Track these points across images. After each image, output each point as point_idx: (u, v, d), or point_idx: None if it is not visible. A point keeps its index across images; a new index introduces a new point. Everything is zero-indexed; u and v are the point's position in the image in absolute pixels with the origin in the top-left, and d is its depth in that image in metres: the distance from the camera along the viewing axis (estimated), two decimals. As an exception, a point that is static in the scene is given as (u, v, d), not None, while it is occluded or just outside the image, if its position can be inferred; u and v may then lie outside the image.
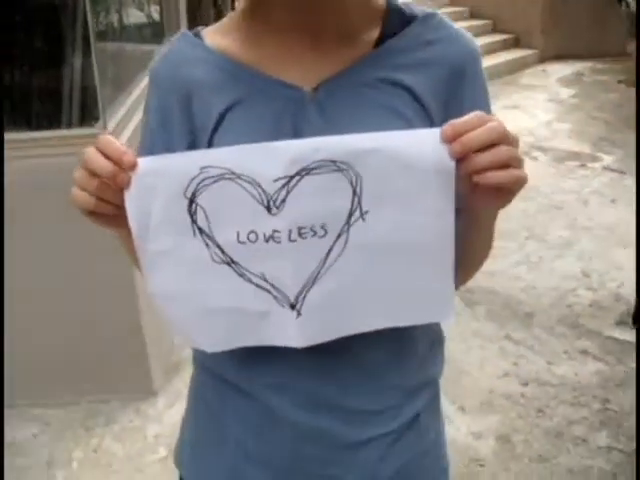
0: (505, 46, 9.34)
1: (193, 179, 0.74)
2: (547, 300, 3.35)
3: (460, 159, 0.70)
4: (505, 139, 0.69)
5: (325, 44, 0.86)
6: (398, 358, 0.89)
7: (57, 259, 2.46)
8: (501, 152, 0.69)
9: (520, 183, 0.71)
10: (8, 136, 2.45)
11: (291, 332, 0.80)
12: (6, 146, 2.34)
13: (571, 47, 9.40)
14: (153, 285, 0.80)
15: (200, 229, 0.76)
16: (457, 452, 2.37)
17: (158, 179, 0.74)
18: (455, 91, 0.86)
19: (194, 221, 0.76)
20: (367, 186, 0.73)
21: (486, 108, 0.88)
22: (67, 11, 2.90)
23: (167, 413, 2.59)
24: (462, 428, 2.49)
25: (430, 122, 0.83)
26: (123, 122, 2.48)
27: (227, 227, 0.76)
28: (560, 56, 9.40)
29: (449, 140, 0.69)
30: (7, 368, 2.53)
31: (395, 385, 0.92)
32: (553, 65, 9.16)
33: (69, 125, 2.72)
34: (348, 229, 0.74)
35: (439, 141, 0.70)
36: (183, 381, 2.72)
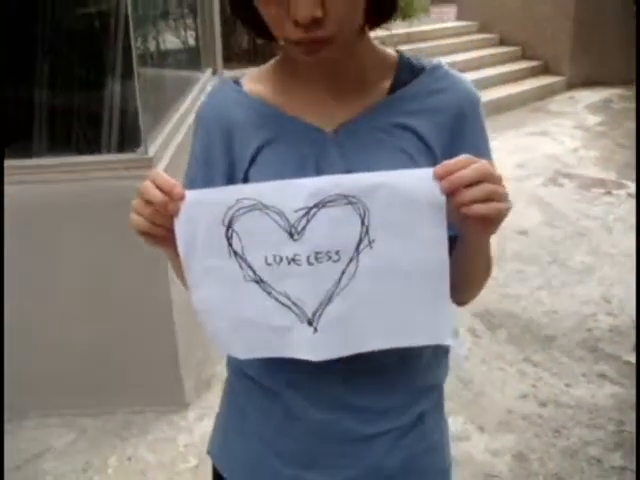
0: (533, 73, 9.42)
1: (230, 209, 0.87)
2: (567, 324, 3.44)
3: (450, 194, 0.82)
4: (489, 177, 0.81)
5: (344, 92, 1.00)
6: (405, 362, 1.00)
7: (97, 276, 2.61)
8: (484, 188, 0.81)
9: (502, 214, 0.83)
10: (52, 160, 2.63)
11: (308, 347, 0.91)
12: (52, 169, 2.51)
13: (600, 74, 9.46)
14: (196, 298, 0.94)
15: (235, 252, 0.89)
16: (474, 468, 2.47)
17: (202, 208, 0.88)
18: (457, 135, 0.99)
19: (230, 244, 0.89)
20: (374, 218, 0.85)
21: (484, 149, 1.01)
22: (109, 37, 3.06)
23: (197, 425, 2.72)
24: (480, 445, 2.59)
25: (434, 160, 0.96)
26: (162, 148, 2.62)
27: (257, 250, 0.89)
28: (588, 83, 9.46)
29: (440, 178, 0.81)
30: (48, 379, 2.69)
31: (402, 387, 1.04)
32: (581, 92, 9.22)
33: (111, 150, 2.88)
34: (358, 255, 0.86)
35: (432, 179, 0.82)
36: (213, 396, 2.85)
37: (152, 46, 4.02)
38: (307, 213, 0.85)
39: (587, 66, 9.53)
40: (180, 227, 0.88)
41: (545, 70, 9.57)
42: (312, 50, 0.89)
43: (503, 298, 3.69)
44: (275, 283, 0.89)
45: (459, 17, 10.76)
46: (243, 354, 0.98)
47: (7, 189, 2.39)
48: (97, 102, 2.92)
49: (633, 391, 2.87)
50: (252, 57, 6.06)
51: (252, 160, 1.00)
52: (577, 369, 3.06)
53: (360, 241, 0.86)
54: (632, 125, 7.28)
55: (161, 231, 0.89)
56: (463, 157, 0.82)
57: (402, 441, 1.06)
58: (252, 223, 0.87)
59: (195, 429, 2.70)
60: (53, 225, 2.51)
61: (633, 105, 8.15)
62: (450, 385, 2.83)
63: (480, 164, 0.82)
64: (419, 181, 0.83)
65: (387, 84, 1.01)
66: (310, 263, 0.87)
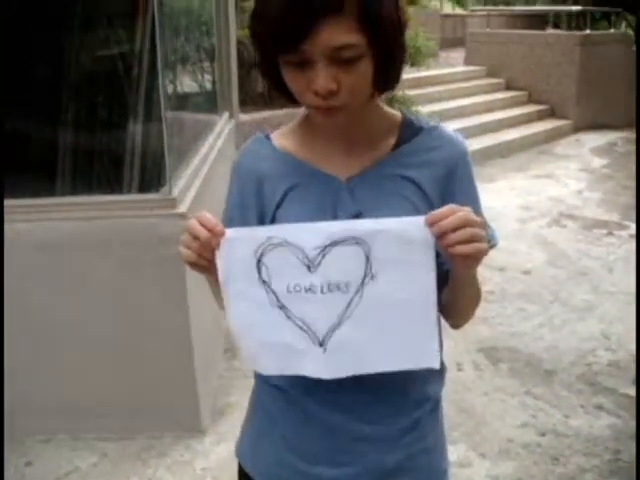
0: (540, 116, 9.67)
1: (261, 245, 1.05)
2: (567, 359, 3.58)
3: (438, 237, 1.00)
4: (471, 223, 0.99)
5: (356, 148, 1.20)
6: (403, 376, 1.17)
7: (120, 308, 2.79)
8: (466, 232, 0.99)
9: (481, 253, 1.01)
10: (82, 199, 2.83)
11: (319, 366, 1.09)
12: (81, 207, 2.70)
13: (605, 117, 9.69)
14: (231, 318, 1.12)
15: (263, 280, 1.07)
16: (475, 492, 2.60)
17: (238, 244, 1.06)
18: (450, 184, 1.19)
19: (260, 274, 1.07)
20: (375, 256, 1.03)
21: (473, 195, 1.21)
22: (136, 80, 3.27)
23: (213, 450, 2.87)
24: (481, 472, 2.73)
25: (431, 205, 1.15)
26: (185, 189, 2.81)
27: (281, 280, 1.07)
28: (594, 126, 9.68)
29: (430, 225, 1.00)
30: (75, 404, 2.86)
31: (399, 397, 1.22)
32: (587, 135, 9.44)
33: (134, 190, 3.08)
34: (363, 287, 1.05)
35: (424, 225, 1.01)
36: (227, 424, 3.02)
37: (172, 90, 4.23)
38: (323, 250, 1.04)
39: (592, 110, 9.77)
40: (220, 258, 1.07)
41: (551, 114, 9.82)
42: (328, 115, 1.08)
43: (506, 335, 3.84)
44: (294, 309, 1.07)
45: (467, 62, 11.06)
46: (266, 370, 1.16)
47: (39, 225, 2.60)
48: (124, 144, 3.12)
49: (630, 422, 3.01)
50: (267, 101, 6.24)
51: (279, 203, 1.20)
52: (576, 401, 3.20)
53: (365, 275, 1.04)
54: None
55: (205, 262, 1.07)
56: (448, 207, 1.01)
57: (400, 442, 1.22)
58: (278, 257, 1.05)
59: (211, 454, 2.85)
60: (82, 260, 2.70)
61: (637, 148, 8.36)
62: (453, 415, 3.00)
63: (463, 212, 1.00)
64: (413, 227, 1.02)
65: (392, 140, 1.21)
66: (323, 292, 1.05)
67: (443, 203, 1.06)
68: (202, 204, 2.86)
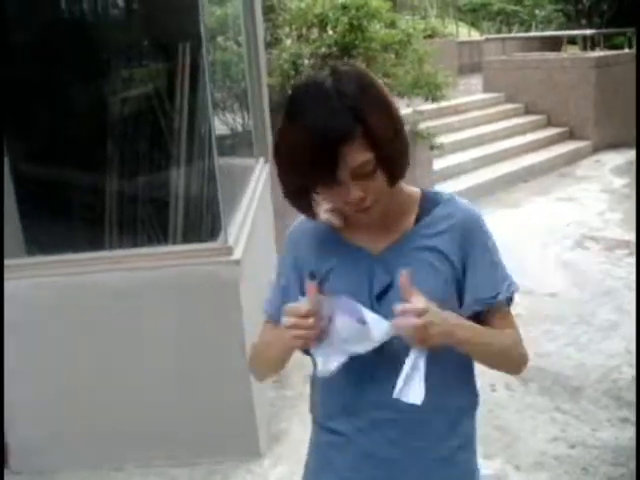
0: (560, 139, 9.89)
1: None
2: (593, 376, 3.84)
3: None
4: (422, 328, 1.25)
5: (385, 225, 1.43)
6: (434, 418, 1.44)
7: (181, 341, 3.09)
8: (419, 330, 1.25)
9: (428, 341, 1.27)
10: (142, 250, 3.17)
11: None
12: (142, 258, 3.03)
13: (624, 136, 9.85)
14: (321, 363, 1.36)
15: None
16: (512, 500, 2.87)
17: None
18: (467, 246, 1.42)
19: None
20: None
21: (492, 251, 1.46)
22: (181, 130, 3.58)
23: (271, 472, 3.16)
24: (517, 483, 3.00)
25: (452, 267, 1.40)
26: (237, 236, 3.11)
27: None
28: (614, 145, 9.87)
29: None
30: (143, 434, 3.17)
31: (436, 431, 1.46)
32: (607, 155, 9.65)
33: (191, 239, 3.41)
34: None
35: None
36: (281, 448, 3.32)
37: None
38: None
39: (611, 129, 9.98)
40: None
41: (571, 136, 10.05)
42: (364, 213, 1.36)
43: (535, 355, 4.09)
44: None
45: (485, 89, 11.32)
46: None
47: (116, 274, 2.94)
48: (183, 196, 3.45)
49: (653, 433, 3.26)
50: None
51: (326, 275, 1.43)
52: (602, 415, 3.46)
53: None
54: (655, 187, 7.69)
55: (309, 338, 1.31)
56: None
57: (439, 472, 1.47)
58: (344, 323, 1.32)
59: (270, 475, 3.14)
60: (152, 303, 3.02)
61: (657, 166, 8.56)
62: (489, 432, 3.26)
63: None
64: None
65: (414, 215, 1.45)
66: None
67: (463, 264, 1.38)
68: (253, 250, 3.18)
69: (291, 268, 1.51)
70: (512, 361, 1.50)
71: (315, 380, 1.54)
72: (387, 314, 1.29)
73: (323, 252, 1.47)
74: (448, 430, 1.47)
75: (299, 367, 3.82)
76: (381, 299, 1.39)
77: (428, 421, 1.44)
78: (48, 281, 2.95)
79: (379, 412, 1.43)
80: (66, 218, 3.51)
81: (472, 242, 1.43)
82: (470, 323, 1.38)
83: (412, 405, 1.27)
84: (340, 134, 1.24)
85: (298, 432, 3.40)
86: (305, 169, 1.28)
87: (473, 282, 1.43)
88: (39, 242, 3.37)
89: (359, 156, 1.27)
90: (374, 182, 1.31)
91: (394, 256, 1.42)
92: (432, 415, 1.43)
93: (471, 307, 1.42)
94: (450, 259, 1.42)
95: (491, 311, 1.44)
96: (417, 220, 1.45)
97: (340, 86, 1.28)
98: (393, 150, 1.33)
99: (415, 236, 1.43)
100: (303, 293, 1.39)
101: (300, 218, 1.54)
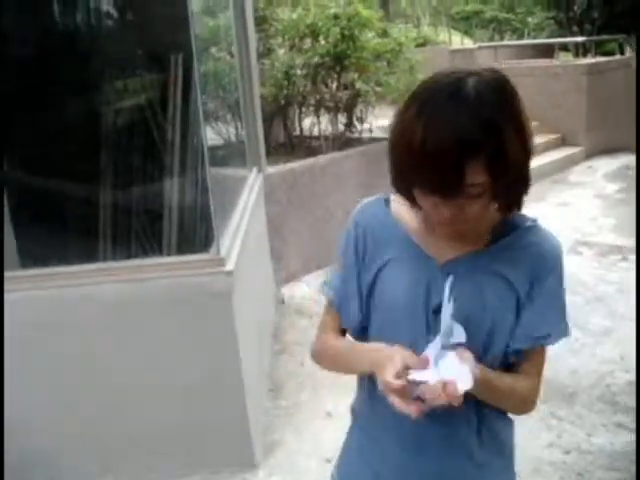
0: (552, 146, 9.90)
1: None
2: (588, 381, 3.84)
3: None
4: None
5: (457, 238, 1.32)
6: (460, 430, 1.43)
7: (177, 353, 3.07)
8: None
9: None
10: (135, 262, 3.17)
11: None
12: (134, 270, 3.03)
13: (616, 141, 9.92)
14: None
15: None
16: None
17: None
18: (536, 282, 1.32)
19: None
20: None
21: (559, 294, 1.39)
22: (173, 142, 3.59)
23: (267, 482, 3.17)
24: (512, 489, 2.99)
25: (517, 298, 1.31)
26: (229, 248, 3.11)
27: None
28: (606, 150, 9.91)
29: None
30: (139, 445, 3.16)
31: (460, 442, 1.45)
32: (599, 160, 9.69)
33: (184, 250, 3.41)
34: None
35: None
36: (275, 459, 3.32)
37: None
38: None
39: (604, 135, 10.02)
40: None
41: (563, 142, 10.08)
42: (449, 226, 1.26)
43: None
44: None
45: (478, 97, 11.33)
46: None
47: (110, 286, 2.94)
48: (175, 208, 3.46)
49: (648, 438, 3.27)
50: (289, 150, 6.53)
51: (381, 267, 1.37)
52: (597, 420, 3.46)
53: None
54: (648, 191, 7.71)
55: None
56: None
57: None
58: None
59: (265, 485, 3.14)
60: (144, 315, 3.02)
61: (650, 171, 8.59)
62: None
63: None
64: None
65: (489, 236, 1.34)
66: None
67: (528, 298, 1.30)
68: (246, 261, 3.18)
69: (353, 249, 1.42)
70: (518, 409, 1.50)
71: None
72: (439, 329, 1.24)
73: (386, 241, 1.38)
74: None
75: (293, 376, 3.86)
76: (438, 312, 1.27)
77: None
78: (43, 294, 2.94)
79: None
80: (60, 230, 3.51)
81: (544, 278, 1.34)
82: (492, 379, 1.33)
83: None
84: (469, 145, 1.11)
85: (293, 442, 3.41)
86: (415, 166, 1.16)
87: (530, 318, 1.35)
88: (33, 255, 3.37)
89: (478, 176, 1.14)
90: (476, 206, 1.20)
91: (458, 271, 1.31)
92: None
93: (518, 342, 1.35)
94: (515, 289, 1.32)
95: (530, 351, 1.38)
96: (491, 242, 1.35)
97: (481, 91, 1.14)
98: (519, 176, 1.22)
99: (486, 257, 1.33)
100: (361, 294, 1.39)
101: (377, 196, 1.46)
